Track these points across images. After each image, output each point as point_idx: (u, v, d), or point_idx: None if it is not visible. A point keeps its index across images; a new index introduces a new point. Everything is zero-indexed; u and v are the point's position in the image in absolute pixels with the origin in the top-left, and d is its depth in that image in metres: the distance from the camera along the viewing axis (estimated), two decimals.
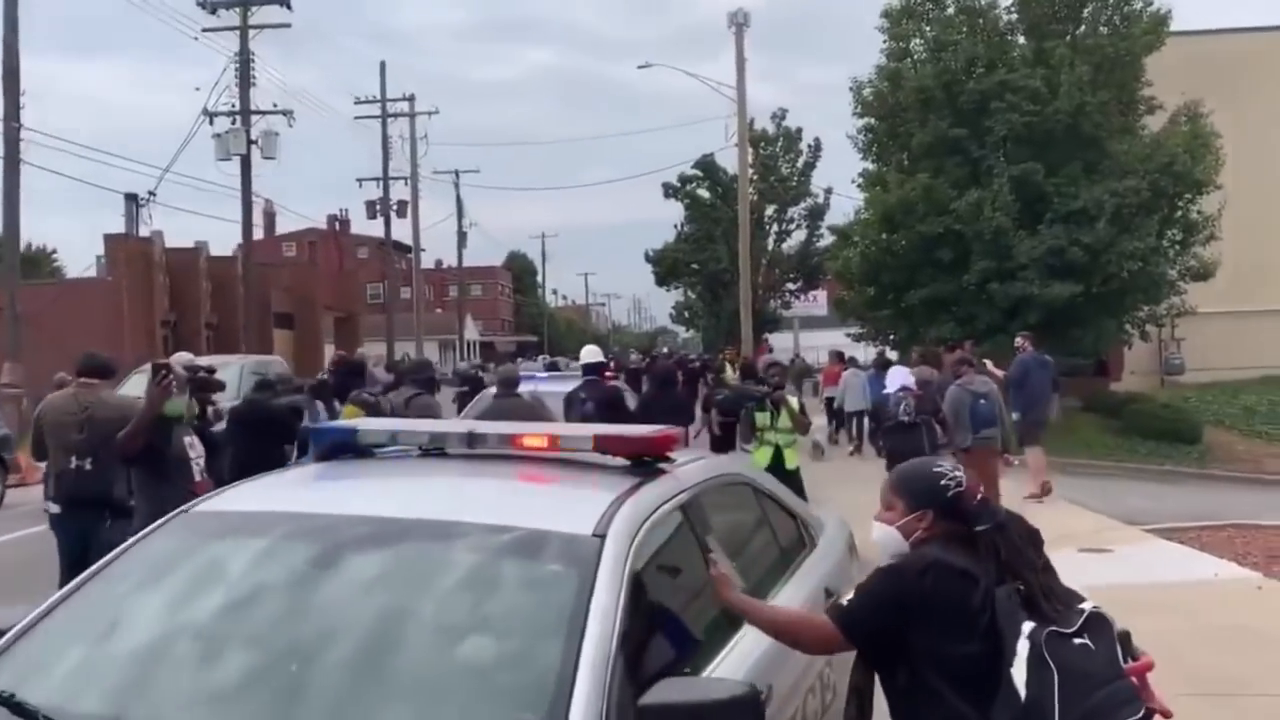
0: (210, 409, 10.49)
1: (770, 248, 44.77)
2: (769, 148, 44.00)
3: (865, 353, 24.93)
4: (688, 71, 35.60)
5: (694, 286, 46.44)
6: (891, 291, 21.99)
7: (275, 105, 30.57)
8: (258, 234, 67.68)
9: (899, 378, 10.10)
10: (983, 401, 11.12)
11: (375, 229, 45.81)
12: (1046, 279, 19.84)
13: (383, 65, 43.20)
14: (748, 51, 30.57)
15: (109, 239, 29.70)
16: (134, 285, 29.53)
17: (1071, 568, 9.05)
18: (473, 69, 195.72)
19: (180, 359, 11.06)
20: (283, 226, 70.64)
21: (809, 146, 44.30)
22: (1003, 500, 12.21)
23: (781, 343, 46.45)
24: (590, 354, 10.19)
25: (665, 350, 31.83)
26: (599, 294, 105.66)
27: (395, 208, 42.39)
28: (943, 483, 2.80)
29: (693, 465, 3.85)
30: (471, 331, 64.56)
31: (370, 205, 42.26)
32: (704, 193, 44.13)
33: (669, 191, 43.44)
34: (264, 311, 36.61)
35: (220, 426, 10.94)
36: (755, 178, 42.61)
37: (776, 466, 8.51)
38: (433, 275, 69.06)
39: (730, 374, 24.25)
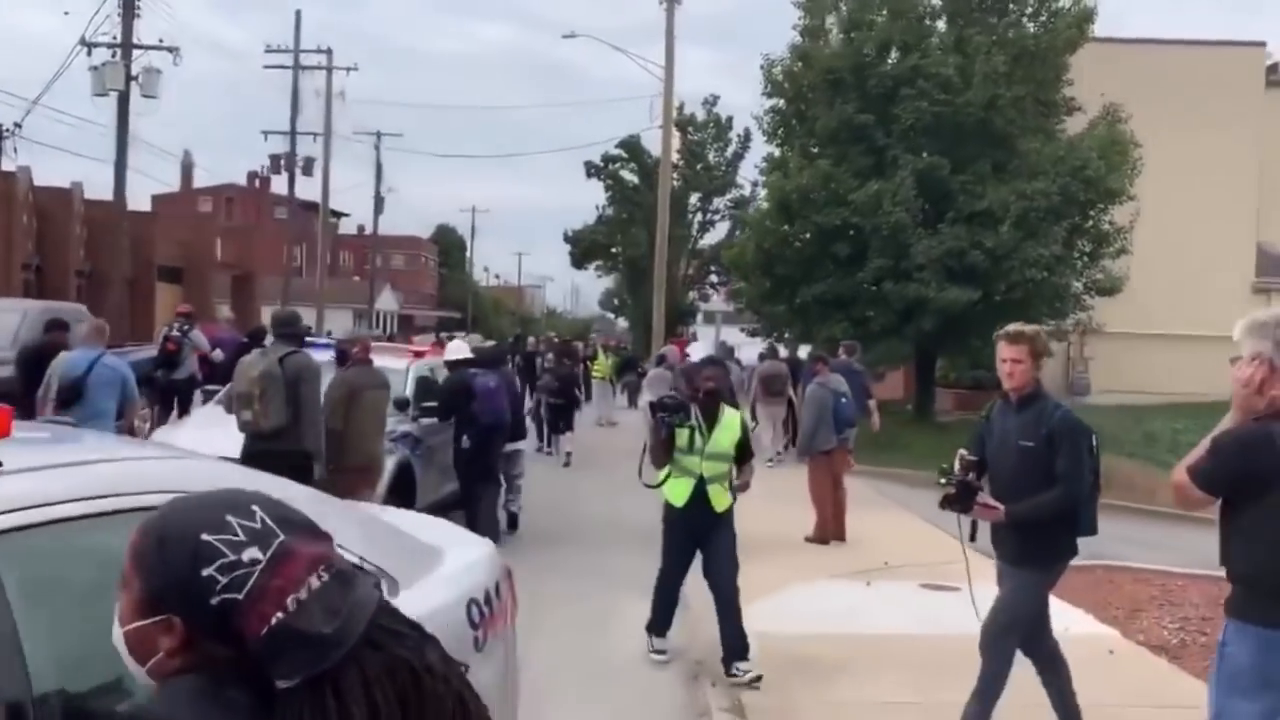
0: None
1: (693, 237, 43.43)
2: (697, 133, 42.62)
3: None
4: (615, 46, 34.15)
5: (611, 271, 44.95)
6: (786, 286, 20.55)
7: (161, 40, 28.43)
8: (174, 187, 64.91)
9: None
10: (844, 400, 10.84)
11: (300, 189, 43.80)
12: (944, 282, 18.51)
13: (298, 14, 40.97)
14: (703, 44, 28.99)
15: None
16: None
17: (911, 605, 7.08)
18: (426, 40, 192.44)
19: None
20: (201, 180, 68.12)
21: (739, 136, 43.01)
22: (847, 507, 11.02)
23: (705, 338, 45.22)
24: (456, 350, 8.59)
25: (551, 337, 30.17)
26: (535, 276, 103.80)
27: (301, 165, 40.27)
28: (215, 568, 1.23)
29: (39, 476, 2.26)
30: (390, 303, 62.38)
31: (275, 160, 40.13)
32: (627, 174, 42.64)
33: (591, 171, 41.91)
34: (145, 263, 34.45)
35: None
36: (680, 163, 41.15)
37: (697, 507, 6.15)
38: (352, 241, 66.77)
39: (602, 361, 22.84)
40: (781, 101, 21.60)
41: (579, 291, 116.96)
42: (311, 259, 58.79)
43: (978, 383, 21.50)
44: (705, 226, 43.67)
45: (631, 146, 41.49)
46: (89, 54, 28.02)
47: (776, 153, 21.95)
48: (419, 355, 11.10)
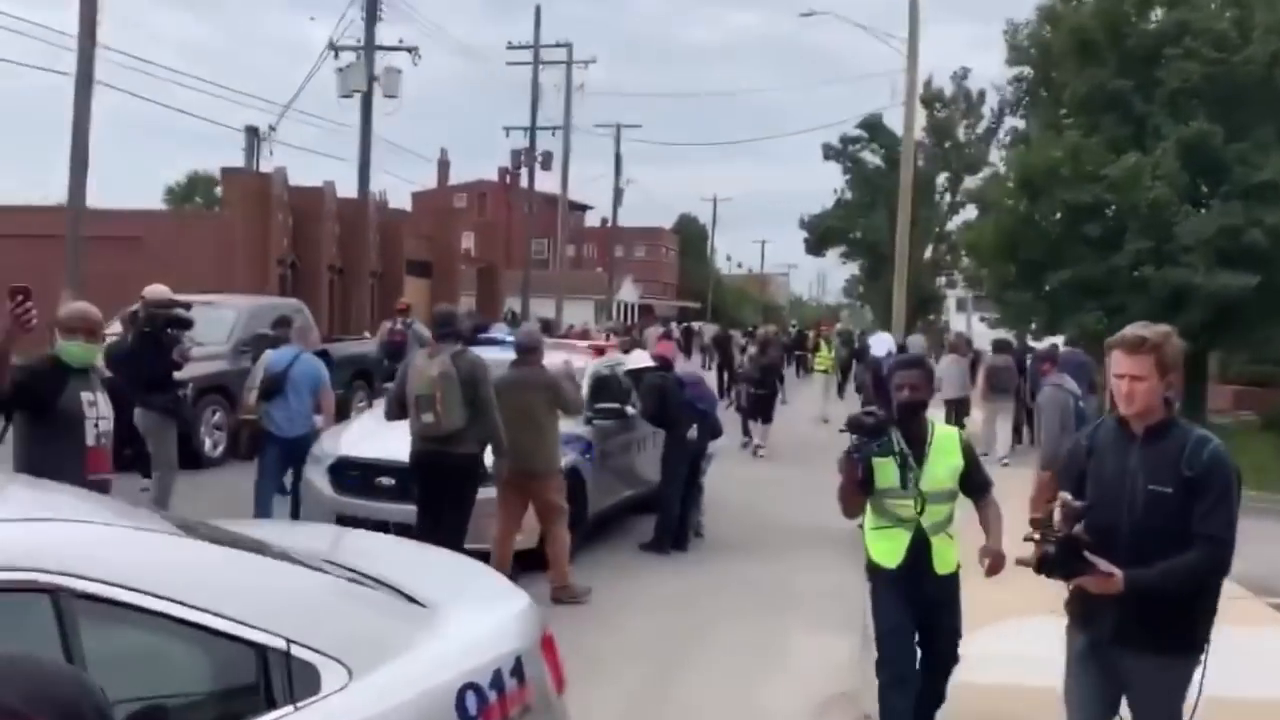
0: (177, 351, 9.00)
1: (939, 219, 41.14)
2: (945, 109, 40.29)
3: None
4: (856, 23, 32.35)
5: (851, 258, 43.27)
6: (1031, 271, 18.67)
7: (400, 41, 29.41)
8: (430, 184, 67.93)
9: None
10: (1079, 403, 9.45)
11: (548, 184, 44.66)
12: (1215, 266, 16.26)
13: (537, 10, 41.63)
14: (953, 16, 27.17)
15: (225, 172, 29.22)
16: (249, 221, 28.93)
17: None
18: (678, 30, 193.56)
19: (153, 292, 9.60)
20: (457, 177, 70.93)
21: (992, 110, 40.31)
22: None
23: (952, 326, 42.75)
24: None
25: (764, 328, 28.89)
26: (780, 263, 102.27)
27: (540, 159, 40.93)
28: None
29: None
30: (630, 293, 62.91)
31: (515, 155, 40.95)
32: (868, 155, 40.85)
33: (829, 153, 40.38)
34: (394, 258, 35.86)
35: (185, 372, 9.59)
36: (926, 141, 39.06)
37: (916, 568, 4.40)
38: (596, 233, 67.73)
39: (825, 353, 21.46)
40: (1026, 70, 19.70)
41: (825, 278, 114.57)
42: (559, 252, 60.14)
43: (1264, 379, 18.86)
44: (954, 208, 41.27)
45: (873, 126, 39.70)
46: (335, 57, 29.33)
47: (1020, 125, 20.03)
48: (599, 352, 10.47)
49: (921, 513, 4.34)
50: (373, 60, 28.82)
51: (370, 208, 34.51)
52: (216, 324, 13.80)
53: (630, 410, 9.70)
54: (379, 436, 8.75)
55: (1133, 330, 3.36)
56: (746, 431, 16.12)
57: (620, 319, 58.94)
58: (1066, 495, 3.35)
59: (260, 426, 8.78)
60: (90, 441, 4.75)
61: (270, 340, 13.67)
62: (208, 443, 12.76)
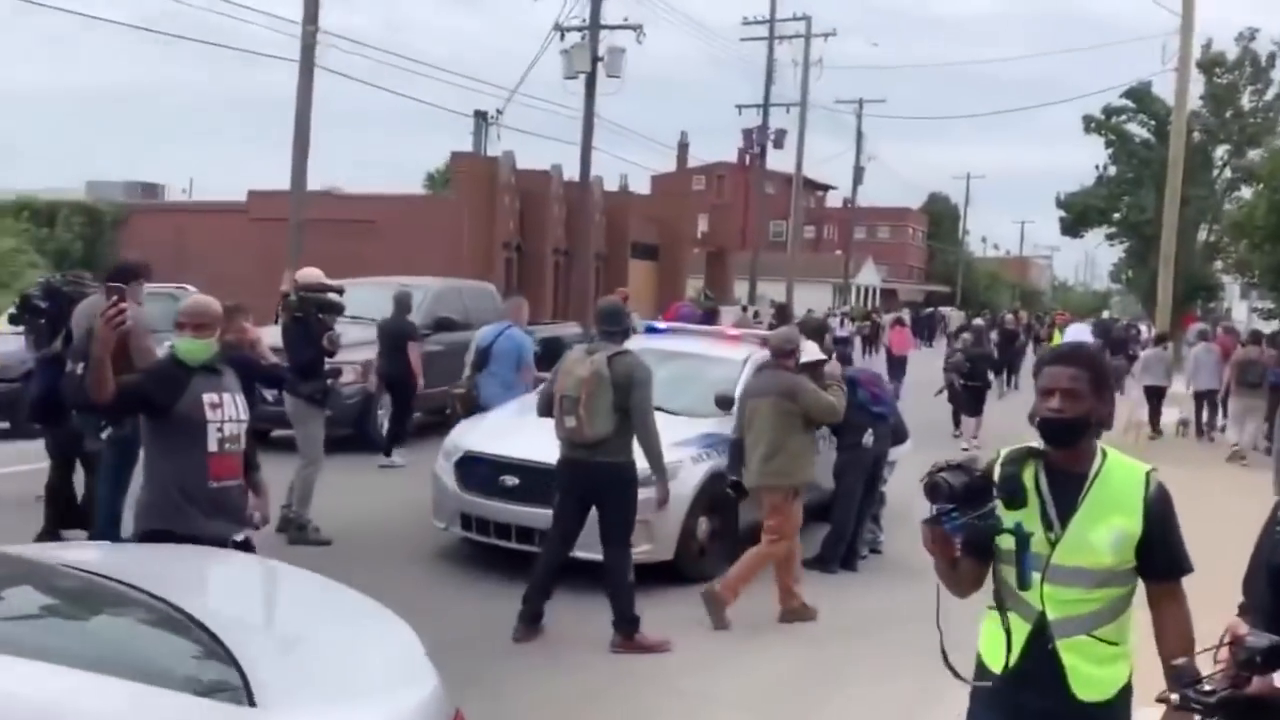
0: (328, 337, 8.71)
1: (1218, 199, 36.94)
2: (1227, 74, 36.09)
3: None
4: None
5: (1116, 239, 39.60)
6: None
7: (626, 19, 28.86)
8: (669, 166, 68.07)
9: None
10: None
11: (789, 164, 43.35)
12: None
13: None
14: None
15: (455, 156, 29.64)
16: (476, 205, 29.25)
17: None
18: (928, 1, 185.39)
19: (307, 275, 9.36)
20: (699, 159, 70.39)
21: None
22: None
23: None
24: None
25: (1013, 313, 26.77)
26: (1042, 246, 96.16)
27: (773, 138, 39.63)
28: None
29: None
30: (872, 276, 60.62)
31: (747, 134, 39.82)
32: (1134, 128, 37.16)
33: (1090, 125, 36.93)
34: (620, 241, 35.64)
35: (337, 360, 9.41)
36: (1203, 111, 35.15)
37: (1036, 679, 2.77)
38: (837, 214, 65.60)
39: (1058, 340, 19.21)
40: None
41: (1093, 262, 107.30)
42: (795, 234, 58.59)
43: None
44: (1233, 185, 36.98)
45: (1140, 95, 35.99)
46: (561, 39, 29.10)
47: None
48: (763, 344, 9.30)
49: (1044, 602, 2.74)
50: (597, 40, 28.37)
51: (595, 190, 34.40)
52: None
53: None
54: (511, 432, 8.05)
55: None
56: (957, 425, 15.13)
57: (860, 303, 56.84)
58: (1241, 625, 2.00)
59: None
60: (213, 447, 4.33)
61: (448, 323, 13.40)
62: (387, 426, 12.50)
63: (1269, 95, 36.46)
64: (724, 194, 63.51)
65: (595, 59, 28.38)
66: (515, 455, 7.46)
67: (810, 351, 8.64)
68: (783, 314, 35.27)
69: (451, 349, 12.99)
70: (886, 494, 8.93)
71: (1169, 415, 16.95)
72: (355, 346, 12.35)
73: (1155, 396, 16.67)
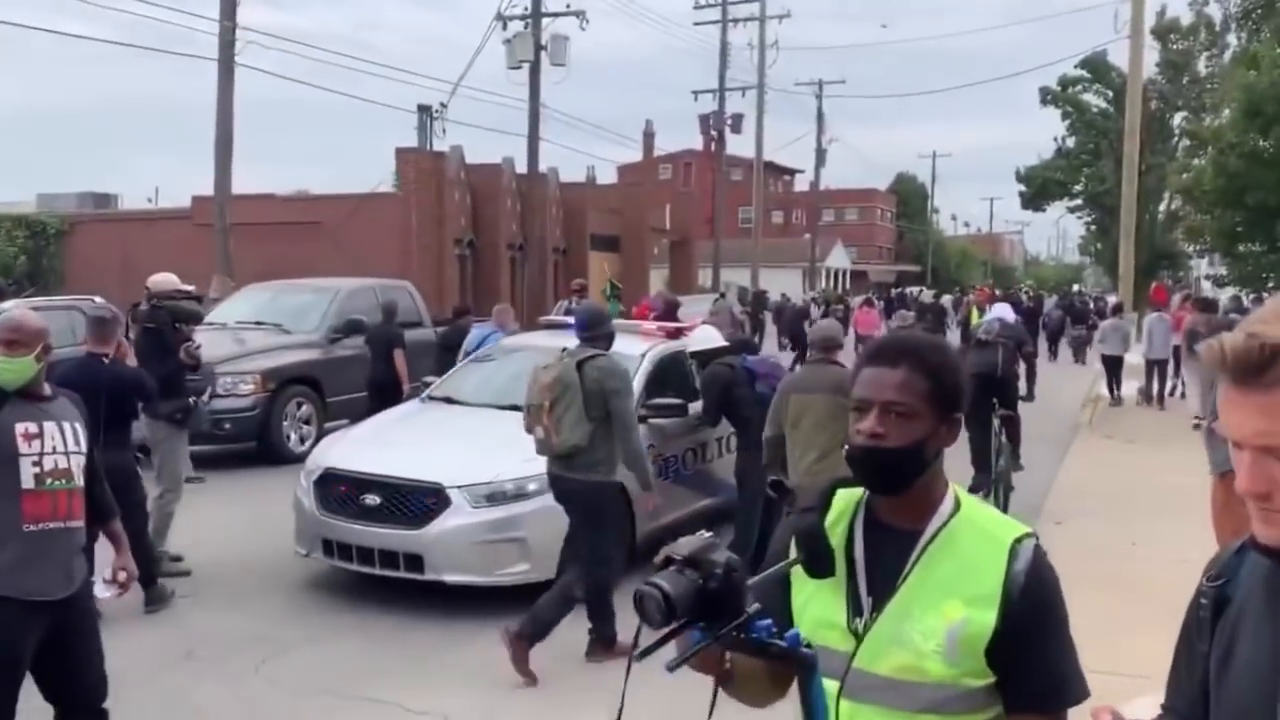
0: (185, 350, 8.10)
1: (1178, 168, 36.60)
2: (1182, 41, 35.76)
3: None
4: None
5: (1078, 211, 39.30)
6: (1261, 218, 15.56)
7: (568, 5, 28.27)
8: (635, 156, 67.37)
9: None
10: None
11: (751, 149, 42.78)
12: None
13: None
14: None
15: (400, 152, 28.97)
16: (424, 201, 28.65)
17: None
18: None
19: (160, 281, 8.74)
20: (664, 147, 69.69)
21: (1239, 38, 35.49)
22: None
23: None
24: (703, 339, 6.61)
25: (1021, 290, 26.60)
26: (1014, 221, 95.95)
27: (730, 123, 39.12)
28: None
29: None
30: (841, 259, 60.15)
31: (704, 120, 39.29)
32: (1090, 98, 36.79)
33: (1046, 97, 36.55)
34: (579, 233, 35.07)
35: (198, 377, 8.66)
36: (1160, 78, 34.80)
37: None
38: (804, 199, 65.09)
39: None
40: None
41: (1065, 235, 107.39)
42: (765, 220, 58.02)
43: None
44: (1192, 151, 36.65)
45: (1095, 65, 35.68)
46: (504, 28, 28.51)
47: (1247, 45, 16.75)
48: (671, 335, 8.80)
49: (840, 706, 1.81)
50: (539, 28, 27.84)
51: (551, 182, 33.78)
52: (309, 309, 13.01)
53: (695, 407, 8.03)
54: (375, 445, 7.51)
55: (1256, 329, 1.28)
56: None
57: (831, 286, 56.44)
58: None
59: None
60: (28, 483, 3.70)
61: (358, 326, 12.80)
62: (293, 437, 11.95)
63: (1225, 59, 36.14)
64: (691, 182, 62.93)
65: (538, 47, 27.87)
66: (376, 471, 6.92)
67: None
68: (760, 301, 35.02)
69: (361, 354, 12.47)
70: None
71: (1130, 386, 16.75)
72: (256, 354, 11.86)
73: (1113, 366, 16.76)
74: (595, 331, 6.09)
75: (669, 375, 8.37)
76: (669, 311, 15.10)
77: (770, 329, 31.80)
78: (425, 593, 6.72)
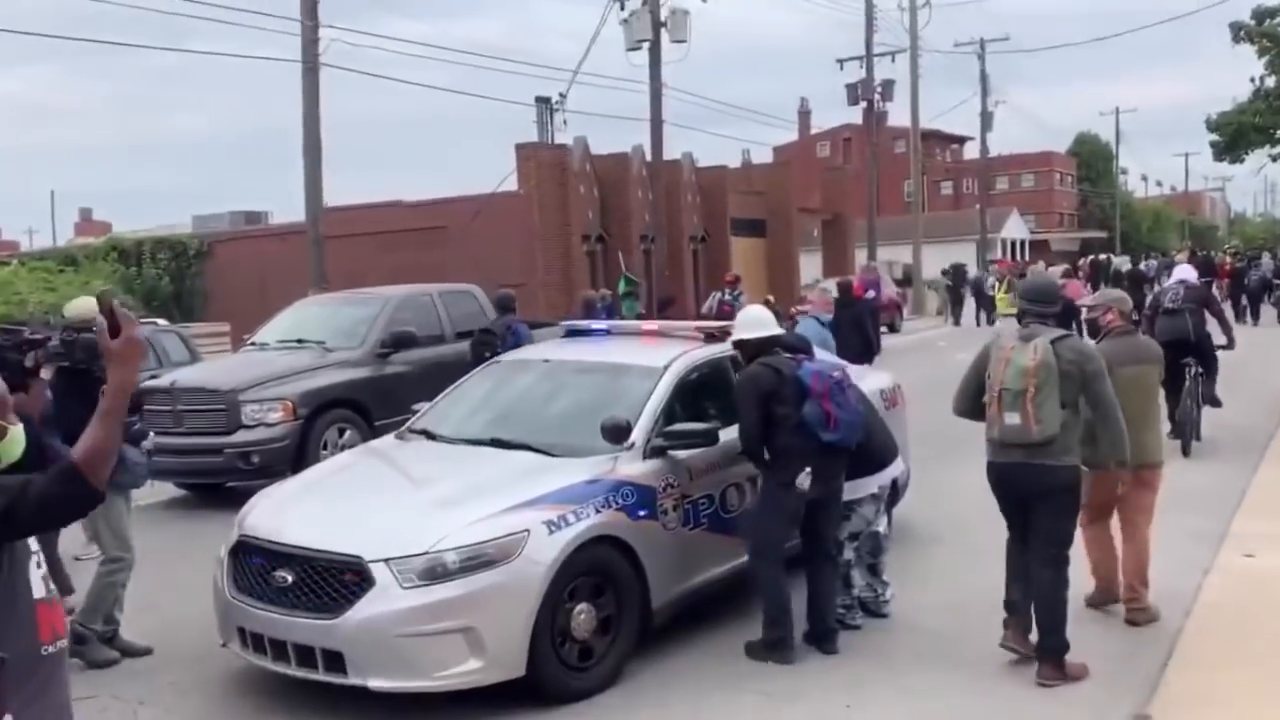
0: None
1: None
2: None
3: None
4: None
5: (1278, 160, 34.75)
6: None
7: None
8: (790, 136, 64.54)
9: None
10: None
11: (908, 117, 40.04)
12: None
13: None
14: None
15: (519, 148, 27.65)
16: (547, 197, 27.33)
17: None
18: None
19: (74, 309, 7.40)
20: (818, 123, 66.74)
21: None
22: None
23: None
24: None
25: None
26: (1215, 178, 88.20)
27: (879, 89, 36.40)
28: None
29: None
30: (1018, 229, 55.95)
31: (850, 89, 36.70)
32: None
33: (1239, 33, 32.27)
34: (718, 220, 33.18)
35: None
36: None
37: None
38: (971, 167, 61.06)
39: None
40: None
41: (1275, 189, 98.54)
42: (933, 192, 54.68)
43: None
44: None
45: None
46: (622, 8, 26.93)
47: None
48: (713, 338, 6.90)
49: None
50: (658, 4, 26.17)
51: (685, 168, 31.95)
52: (355, 324, 11.62)
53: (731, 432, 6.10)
54: (302, 501, 5.94)
55: None
56: None
57: (1012, 258, 52.45)
58: None
59: None
60: (39, 593, 2.81)
61: (408, 338, 11.36)
62: None
63: None
64: (851, 157, 59.80)
65: (658, 25, 26.26)
66: (287, 540, 5.30)
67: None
68: (959, 275, 32.48)
69: (415, 370, 11.06)
70: (885, 533, 6.45)
71: None
72: (286, 378, 10.53)
73: None
74: (1047, 308, 5.62)
75: (704, 390, 6.51)
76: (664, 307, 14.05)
77: (969, 304, 31.00)
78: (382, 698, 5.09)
